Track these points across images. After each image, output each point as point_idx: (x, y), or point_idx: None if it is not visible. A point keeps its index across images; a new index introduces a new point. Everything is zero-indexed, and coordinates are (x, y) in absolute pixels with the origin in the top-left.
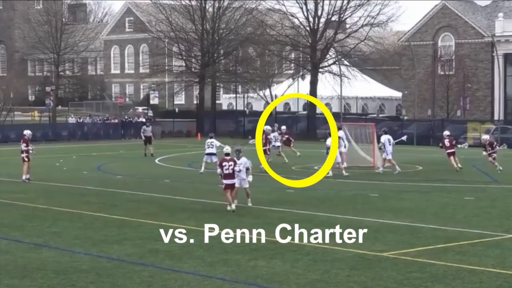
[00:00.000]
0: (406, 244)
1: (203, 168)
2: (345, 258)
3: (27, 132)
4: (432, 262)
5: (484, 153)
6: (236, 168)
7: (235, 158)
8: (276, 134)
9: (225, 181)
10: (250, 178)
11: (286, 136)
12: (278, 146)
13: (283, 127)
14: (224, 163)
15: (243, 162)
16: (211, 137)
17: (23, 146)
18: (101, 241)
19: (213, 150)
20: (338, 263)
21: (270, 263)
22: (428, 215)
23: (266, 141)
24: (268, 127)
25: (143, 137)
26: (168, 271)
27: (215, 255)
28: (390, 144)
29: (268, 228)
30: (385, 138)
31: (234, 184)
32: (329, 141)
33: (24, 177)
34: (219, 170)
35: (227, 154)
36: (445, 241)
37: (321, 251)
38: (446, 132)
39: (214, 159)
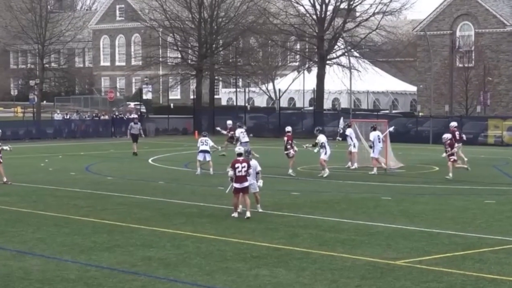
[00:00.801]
0: (421, 251)
1: (199, 169)
2: (354, 266)
3: (230, 123)
4: (450, 271)
5: (444, 154)
6: (231, 173)
7: (248, 160)
8: (243, 130)
9: (235, 184)
10: (260, 182)
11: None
12: (247, 142)
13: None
14: (236, 164)
15: (253, 165)
16: (204, 136)
17: None
18: (89, 248)
19: (207, 148)
20: (347, 272)
21: (273, 272)
22: (445, 219)
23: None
24: (230, 122)
25: (129, 135)
26: (162, 281)
27: (214, 263)
28: (379, 142)
29: (271, 234)
30: (374, 135)
31: (246, 187)
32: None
33: (5, 179)
34: (231, 172)
35: (240, 155)
36: (464, 248)
37: (328, 259)
38: (454, 123)
39: (208, 157)
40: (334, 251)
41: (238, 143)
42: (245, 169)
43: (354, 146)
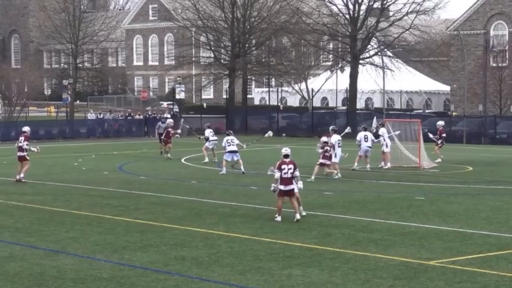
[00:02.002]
0: (454, 251)
1: (225, 169)
2: (388, 266)
3: (27, 129)
4: (484, 271)
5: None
6: (277, 175)
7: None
8: (211, 130)
9: (281, 187)
10: (300, 184)
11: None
12: (215, 140)
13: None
14: (283, 166)
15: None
16: (228, 135)
17: (25, 144)
18: (122, 247)
19: (235, 148)
20: (380, 272)
21: (306, 271)
22: (479, 220)
23: (164, 132)
24: (170, 120)
25: (156, 134)
26: (195, 280)
27: (247, 263)
28: (366, 141)
29: (304, 234)
30: (361, 135)
31: (292, 190)
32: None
33: (22, 175)
34: (277, 174)
35: (286, 156)
36: (498, 248)
37: (361, 259)
38: (442, 123)
39: (236, 157)
40: (367, 251)
41: (207, 142)
42: (291, 171)
43: (387, 146)
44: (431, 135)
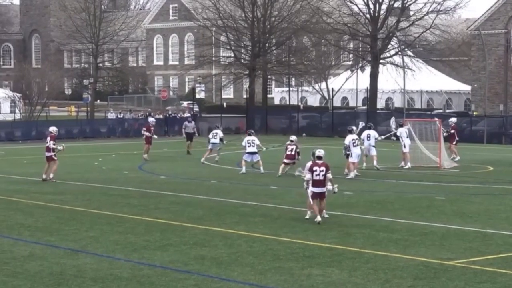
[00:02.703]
0: (475, 251)
1: (244, 168)
2: (408, 266)
3: (54, 129)
4: (504, 271)
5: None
6: (308, 176)
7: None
8: (217, 132)
9: (313, 189)
10: (331, 186)
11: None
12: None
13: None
14: (315, 168)
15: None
16: (250, 134)
17: (51, 143)
18: (142, 246)
19: (254, 149)
20: (400, 272)
21: (326, 271)
22: (500, 220)
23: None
24: (152, 119)
25: (183, 134)
26: (215, 280)
27: (266, 263)
28: (368, 139)
29: (324, 234)
30: (349, 139)
31: (324, 192)
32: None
33: (52, 175)
34: (308, 176)
35: (319, 158)
36: None
37: (381, 259)
38: (454, 119)
39: (255, 158)
40: (387, 251)
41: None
42: (323, 173)
43: (405, 146)
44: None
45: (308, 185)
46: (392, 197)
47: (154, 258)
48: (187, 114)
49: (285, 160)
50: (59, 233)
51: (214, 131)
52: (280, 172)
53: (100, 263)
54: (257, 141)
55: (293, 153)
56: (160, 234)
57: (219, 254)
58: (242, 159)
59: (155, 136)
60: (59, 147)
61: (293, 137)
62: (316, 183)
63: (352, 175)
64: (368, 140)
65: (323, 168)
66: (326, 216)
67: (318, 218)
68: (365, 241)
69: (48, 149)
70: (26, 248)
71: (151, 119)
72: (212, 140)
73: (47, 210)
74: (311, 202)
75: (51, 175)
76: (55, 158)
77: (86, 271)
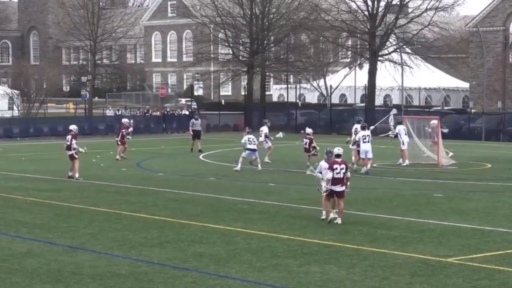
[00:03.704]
0: (473, 248)
1: (239, 165)
2: (406, 263)
3: (74, 127)
4: (502, 268)
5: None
6: (329, 175)
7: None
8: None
9: (333, 187)
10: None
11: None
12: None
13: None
14: (335, 166)
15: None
16: (249, 133)
17: (74, 143)
18: (140, 244)
19: (255, 146)
20: (398, 269)
21: (324, 268)
22: (498, 217)
23: (119, 133)
24: (126, 120)
25: (191, 131)
26: (213, 277)
27: (264, 260)
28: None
29: (322, 231)
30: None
31: (343, 191)
32: (358, 136)
33: (77, 175)
34: (329, 174)
35: (338, 156)
36: None
37: (379, 256)
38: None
39: (254, 156)
40: (385, 248)
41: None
42: (343, 171)
43: (403, 143)
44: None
45: (327, 184)
46: (390, 194)
47: (152, 255)
48: (185, 111)
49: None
50: (57, 230)
51: (250, 136)
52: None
53: (98, 260)
54: (256, 140)
55: (307, 146)
56: (158, 231)
57: (217, 251)
58: (240, 156)
59: (129, 137)
60: (81, 150)
61: (309, 130)
62: (336, 181)
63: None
64: (364, 142)
65: (343, 166)
66: (339, 222)
67: (332, 215)
68: (363, 238)
69: (69, 148)
70: (24, 245)
71: (125, 120)
72: (249, 147)
73: (45, 207)
74: (325, 202)
75: (76, 174)
76: (76, 156)
77: (84, 268)
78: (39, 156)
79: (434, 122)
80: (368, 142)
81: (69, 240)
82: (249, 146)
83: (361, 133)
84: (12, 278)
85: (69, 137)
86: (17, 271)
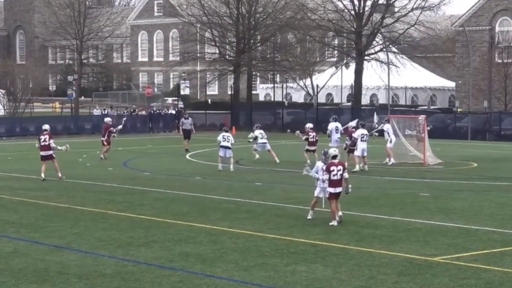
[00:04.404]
0: (459, 248)
1: (220, 165)
2: (392, 262)
3: (48, 127)
4: (488, 267)
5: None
6: (325, 177)
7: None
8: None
9: (330, 189)
10: (349, 188)
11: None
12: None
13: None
14: (332, 167)
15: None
16: (226, 131)
17: (52, 142)
18: (127, 243)
19: (228, 144)
20: (384, 268)
21: (310, 267)
22: (484, 216)
23: (105, 133)
24: (108, 119)
25: (181, 131)
26: (199, 276)
27: (251, 259)
28: (337, 132)
29: (309, 230)
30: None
31: (340, 192)
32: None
33: (60, 174)
34: (325, 176)
35: (335, 157)
36: (503, 245)
37: (366, 255)
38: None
39: (229, 153)
40: (372, 247)
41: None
42: (341, 172)
43: (390, 142)
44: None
45: (324, 184)
46: (376, 193)
47: (139, 254)
48: (171, 111)
49: (308, 147)
50: (43, 229)
51: (225, 134)
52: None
53: (84, 260)
54: (232, 139)
55: (314, 140)
56: (144, 230)
57: (204, 250)
58: (218, 155)
59: (114, 134)
60: (61, 147)
61: (310, 125)
62: (333, 183)
63: (357, 168)
64: (362, 140)
65: (340, 167)
66: (341, 214)
67: (334, 223)
68: (350, 238)
69: (47, 148)
70: (10, 244)
71: (107, 119)
72: (223, 144)
73: (32, 206)
74: (331, 205)
75: (59, 174)
76: (54, 156)
77: (71, 267)
78: (26, 156)
79: (422, 118)
80: (365, 140)
81: (56, 240)
82: (222, 143)
83: (360, 131)
84: None
85: (46, 137)
86: (3, 270)
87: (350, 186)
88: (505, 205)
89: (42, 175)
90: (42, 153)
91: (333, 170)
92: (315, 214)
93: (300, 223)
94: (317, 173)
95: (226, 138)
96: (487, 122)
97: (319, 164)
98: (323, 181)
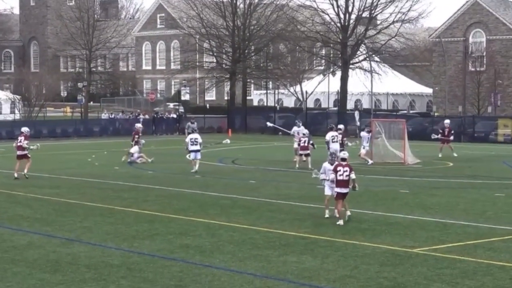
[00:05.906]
0: (436, 240)
1: (196, 166)
2: (375, 254)
3: (26, 129)
4: (463, 258)
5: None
6: (331, 176)
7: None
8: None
9: (338, 189)
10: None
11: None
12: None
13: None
14: (339, 168)
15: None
16: (193, 132)
17: (25, 143)
18: (132, 236)
19: (198, 147)
20: (368, 259)
21: (300, 258)
22: (459, 211)
23: (133, 138)
24: (139, 125)
25: (186, 134)
26: (198, 266)
27: (246, 251)
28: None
29: (299, 224)
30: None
31: (347, 193)
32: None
33: (26, 170)
34: (332, 175)
35: (344, 159)
36: (476, 237)
37: (351, 247)
38: (448, 121)
39: (199, 156)
40: (356, 239)
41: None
42: (347, 173)
43: (364, 148)
44: (435, 136)
45: (332, 184)
46: (360, 190)
47: (143, 246)
48: (173, 115)
49: (301, 152)
50: (55, 223)
51: (193, 136)
52: (297, 164)
53: (93, 252)
54: (200, 140)
55: (306, 144)
56: (148, 224)
57: (202, 243)
58: (191, 159)
59: (142, 141)
60: (33, 147)
61: (305, 131)
62: (340, 184)
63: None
64: (333, 142)
65: (347, 168)
66: (349, 213)
67: (341, 222)
68: (336, 231)
69: (21, 148)
70: (25, 237)
71: (138, 125)
72: (191, 148)
73: (45, 202)
74: (337, 205)
75: (25, 171)
76: (29, 156)
77: (80, 258)
78: (39, 156)
79: (447, 121)
80: (337, 141)
81: (67, 233)
82: (191, 147)
83: (330, 133)
84: (14, 268)
85: (21, 138)
86: (19, 261)
87: (357, 185)
88: (478, 201)
89: (15, 174)
90: (18, 152)
91: (339, 171)
92: (331, 212)
93: (291, 218)
94: (323, 173)
95: (194, 141)
96: (462, 125)
97: (326, 165)
98: (331, 181)
